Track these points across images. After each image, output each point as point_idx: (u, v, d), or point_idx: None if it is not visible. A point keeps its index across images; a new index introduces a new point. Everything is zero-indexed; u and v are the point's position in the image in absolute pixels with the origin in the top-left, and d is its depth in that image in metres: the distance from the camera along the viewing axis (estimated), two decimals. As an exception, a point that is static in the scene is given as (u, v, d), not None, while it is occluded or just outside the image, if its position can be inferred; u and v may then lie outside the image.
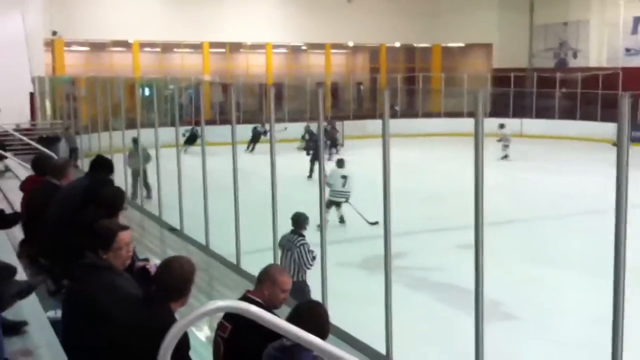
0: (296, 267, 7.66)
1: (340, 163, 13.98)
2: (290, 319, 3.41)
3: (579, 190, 16.91)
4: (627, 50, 30.87)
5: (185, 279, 3.38)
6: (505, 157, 23.11)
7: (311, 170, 18.71)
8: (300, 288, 7.23)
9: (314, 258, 7.54)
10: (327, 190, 11.97)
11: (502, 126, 23.83)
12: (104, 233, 3.97)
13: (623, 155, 3.59)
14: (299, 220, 7.90)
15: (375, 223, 11.83)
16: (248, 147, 24.75)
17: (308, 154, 21.31)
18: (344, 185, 13.54)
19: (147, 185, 13.60)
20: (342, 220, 13.56)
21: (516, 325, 8.49)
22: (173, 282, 3.35)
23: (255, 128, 25.99)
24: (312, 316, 3.47)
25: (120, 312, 3.46)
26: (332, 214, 13.17)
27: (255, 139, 25.49)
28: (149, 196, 13.33)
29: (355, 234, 11.90)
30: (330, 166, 13.85)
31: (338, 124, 26.97)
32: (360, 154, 25.47)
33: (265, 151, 7.87)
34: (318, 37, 33.56)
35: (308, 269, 7.68)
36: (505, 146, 23.39)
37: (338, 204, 13.56)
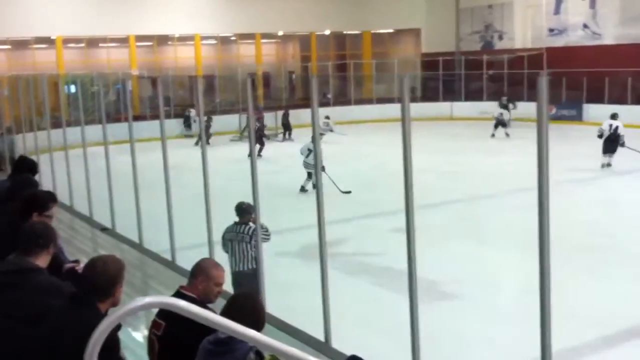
0: (248, 257, 7.54)
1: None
2: (225, 311, 3.39)
3: (510, 169, 17.33)
4: (551, 30, 31.75)
5: (110, 278, 3.30)
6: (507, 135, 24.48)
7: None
8: (254, 277, 7.09)
9: (267, 234, 7.44)
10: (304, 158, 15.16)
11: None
12: (43, 233, 3.87)
13: (543, 133, 3.68)
14: (244, 210, 7.61)
15: (348, 192, 14.68)
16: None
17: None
18: (307, 156, 15.21)
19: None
20: (310, 188, 15.05)
21: (453, 302, 8.65)
22: (98, 281, 3.27)
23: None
24: (246, 307, 3.45)
25: (49, 313, 3.36)
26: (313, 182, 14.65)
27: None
28: None
29: (292, 223, 11.89)
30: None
31: (271, 115, 27.03)
32: (295, 143, 25.57)
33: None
34: (247, 27, 33.32)
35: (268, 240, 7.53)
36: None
37: (309, 174, 15.37)
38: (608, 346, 7.23)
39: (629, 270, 9.56)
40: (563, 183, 13.76)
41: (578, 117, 27.78)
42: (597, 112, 27.22)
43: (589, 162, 18.70)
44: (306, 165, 15.41)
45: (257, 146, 21.81)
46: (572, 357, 6.70)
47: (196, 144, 24.10)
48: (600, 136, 18.53)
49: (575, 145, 21.43)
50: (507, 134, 24.18)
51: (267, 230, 7.47)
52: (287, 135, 26.90)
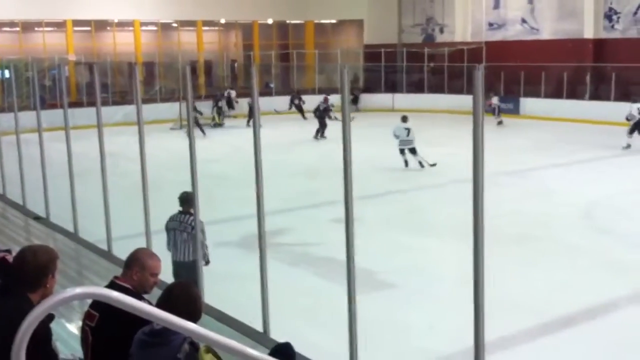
0: (188, 248, 7.43)
1: (404, 118, 17.86)
2: (160, 301, 3.34)
3: (448, 161, 17.60)
4: (490, 24, 32.33)
5: (40, 268, 3.21)
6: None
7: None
8: (193, 268, 7.01)
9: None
10: (396, 141, 17.44)
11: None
12: None
13: (478, 123, 3.74)
14: (188, 200, 7.40)
15: (434, 164, 17.21)
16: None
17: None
18: (407, 135, 17.36)
19: None
20: (421, 164, 17.33)
21: (392, 292, 8.75)
22: (27, 271, 3.17)
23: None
24: (182, 297, 3.41)
25: None
26: (406, 158, 17.41)
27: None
28: None
29: (232, 213, 11.82)
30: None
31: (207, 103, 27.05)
32: (237, 133, 25.41)
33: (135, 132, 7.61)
34: (188, 14, 32.84)
35: (205, 245, 7.44)
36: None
37: (411, 150, 17.40)
38: (543, 333, 7.44)
39: (563, 260, 9.85)
40: (498, 175, 14.05)
41: (515, 111, 28.41)
42: (534, 106, 27.97)
43: (526, 154, 19.17)
44: (405, 142, 17.40)
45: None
46: (508, 345, 6.86)
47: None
48: (628, 119, 19.92)
49: (512, 138, 21.92)
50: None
51: (203, 229, 7.35)
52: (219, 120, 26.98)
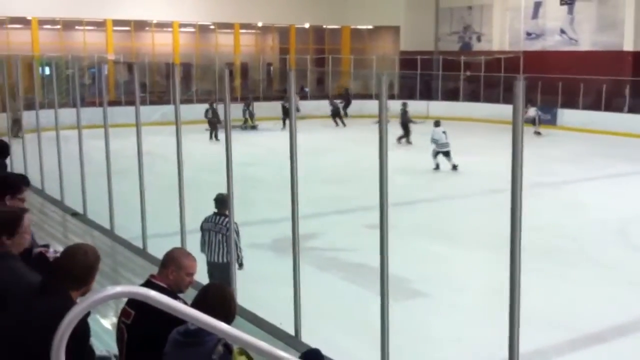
0: (223, 249, 7.51)
1: (437, 123, 18.55)
2: (196, 302, 3.38)
3: (481, 170, 17.49)
4: (528, 34, 32.04)
5: (88, 268, 3.27)
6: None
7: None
8: (227, 269, 7.08)
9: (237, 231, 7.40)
10: (433, 145, 18.00)
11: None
12: (8, 218, 3.79)
13: (518, 135, 3.72)
14: (223, 201, 7.46)
15: (455, 166, 17.91)
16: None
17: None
18: (445, 138, 17.92)
19: None
20: (455, 167, 17.87)
21: (422, 301, 8.73)
22: (76, 270, 3.23)
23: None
24: (217, 299, 3.45)
25: (16, 300, 3.31)
26: (438, 162, 18.02)
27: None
28: None
29: (265, 215, 11.88)
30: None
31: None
32: (270, 135, 25.54)
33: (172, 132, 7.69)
34: (226, 16, 33.11)
35: (240, 248, 7.50)
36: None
37: (446, 154, 17.86)
38: (572, 349, 7.35)
39: (593, 275, 9.72)
40: (534, 186, 13.91)
41: (552, 122, 28.10)
42: (571, 118, 27.61)
43: (561, 165, 18.95)
44: (444, 146, 17.90)
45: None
46: (538, 359, 6.79)
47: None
48: None
49: (548, 148, 21.67)
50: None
51: (237, 230, 7.40)
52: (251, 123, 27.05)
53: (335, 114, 28.94)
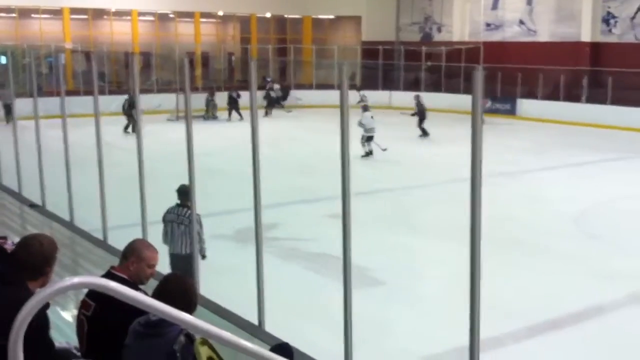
0: (186, 240, 7.45)
1: (366, 108, 19.26)
2: (156, 292, 3.36)
3: (442, 160, 17.65)
4: (488, 25, 32.38)
5: (45, 258, 3.23)
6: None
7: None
8: (189, 261, 7.02)
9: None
10: (361, 130, 17.99)
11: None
12: None
13: (477, 125, 3.76)
14: (186, 192, 7.30)
15: (385, 149, 18.05)
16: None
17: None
18: (373, 123, 18.34)
19: None
20: (371, 152, 18.20)
21: (383, 290, 8.79)
22: (32, 260, 3.19)
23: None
24: (178, 289, 3.44)
25: None
26: (370, 148, 18.23)
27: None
28: None
29: (226, 207, 11.84)
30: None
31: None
32: (232, 126, 25.41)
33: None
34: (187, 5, 32.79)
35: (202, 239, 7.45)
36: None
37: (370, 138, 18.19)
38: (529, 336, 7.49)
39: (551, 264, 9.90)
40: (493, 176, 14.10)
41: (512, 112, 28.50)
42: (530, 108, 28.05)
43: (520, 155, 19.23)
44: (372, 131, 18.24)
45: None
46: (495, 347, 6.90)
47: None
48: None
49: (507, 139, 21.98)
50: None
51: (200, 222, 7.35)
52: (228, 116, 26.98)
53: (270, 104, 28.84)
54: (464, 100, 26.92)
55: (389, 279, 9.14)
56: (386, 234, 11.10)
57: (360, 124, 18.10)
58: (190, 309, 3.33)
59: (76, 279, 2.30)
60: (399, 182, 15.53)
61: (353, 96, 24.87)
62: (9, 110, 19.06)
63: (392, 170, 17.13)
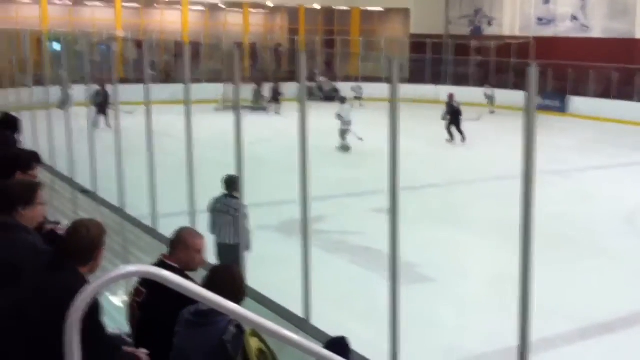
0: (232, 230, 7.50)
1: (343, 100, 19.43)
2: (206, 282, 3.39)
3: (490, 157, 17.45)
4: (539, 19, 31.80)
5: (92, 242, 3.27)
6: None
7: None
8: (236, 251, 7.06)
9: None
10: (339, 123, 18.09)
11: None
12: (25, 188, 3.82)
13: (531, 122, 3.70)
14: (232, 183, 7.42)
15: (361, 139, 17.75)
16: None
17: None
18: (350, 116, 18.28)
19: None
20: (348, 148, 18.06)
21: (430, 286, 8.75)
22: (80, 245, 3.24)
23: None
24: (227, 280, 3.46)
25: (31, 274, 3.33)
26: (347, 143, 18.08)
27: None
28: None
29: (273, 198, 11.89)
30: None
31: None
32: (279, 117, 25.50)
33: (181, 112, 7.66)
34: (236, -5, 33.01)
35: (248, 230, 7.48)
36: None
37: (346, 131, 18.11)
38: (580, 339, 7.36)
39: (602, 264, 9.71)
40: (543, 174, 13.82)
41: (562, 109, 27.96)
42: (581, 105, 27.48)
43: (570, 154, 18.87)
44: (349, 124, 18.17)
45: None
46: (545, 348, 6.80)
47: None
48: None
49: (557, 136, 21.58)
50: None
51: (246, 213, 7.36)
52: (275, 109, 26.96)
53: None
54: (513, 96, 26.68)
55: (436, 275, 9.09)
56: (433, 230, 11.03)
57: (338, 117, 18.23)
58: (238, 299, 3.36)
59: (130, 268, 2.34)
60: (446, 178, 15.40)
61: (401, 89, 24.51)
62: (66, 95, 19.31)
63: (439, 165, 16.98)
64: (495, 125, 23.57)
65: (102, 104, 18.71)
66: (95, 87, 19.58)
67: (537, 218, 4.01)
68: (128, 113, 14.12)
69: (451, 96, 21.09)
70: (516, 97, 27.20)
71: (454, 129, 20.29)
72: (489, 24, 34.09)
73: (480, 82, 31.16)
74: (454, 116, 20.34)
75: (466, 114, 20.91)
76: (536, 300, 3.88)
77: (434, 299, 8.31)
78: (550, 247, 9.80)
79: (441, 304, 8.15)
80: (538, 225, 4.11)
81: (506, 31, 32.89)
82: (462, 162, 17.27)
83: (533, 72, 3.71)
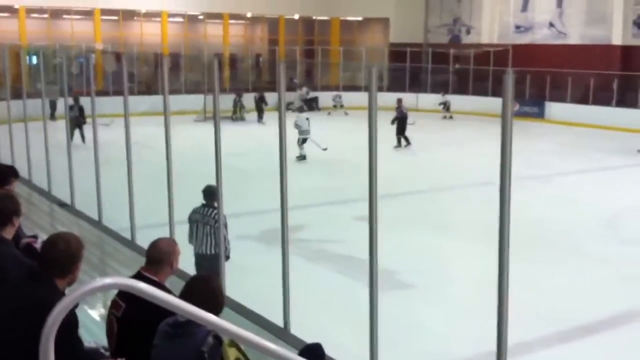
0: (211, 241, 7.48)
1: (301, 109, 20.34)
2: (184, 293, 3.37)
3: (470, 162, 17.53)
4: (517, 27, 32.10)
5: (71, 256, 3.25)
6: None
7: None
8: (215, 261, 7.03)
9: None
10: (296, 131, 17.69)
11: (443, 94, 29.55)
12: (8, 204, 3.80)
13: (507, 128, 3.73)
14: (211, 193, 7.39)
15: (325, 149, 18.00)
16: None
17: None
18: (308, 125, 18.30)
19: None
20: (304, 157, 17.93)
21: (411, 292, 8.76)
22: (59, 258, 3.22)
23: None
24: (204, 290, 3.44)
25: (14, 285, 3.30)
26: (305, 150, 18.00)
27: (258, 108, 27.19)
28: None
29: (253, 207, 11.87)
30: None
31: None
32: (260, 126, 25.50)
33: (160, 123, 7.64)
34: (215, 6, 32.97)
35: (227, 240, 7.45)
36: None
37: (305, 140, 18.10)
38: (559, 342, 7.40)
39: (582, 268, 9.77)
40: (523, 179, 13.96)
41: (540, 115, 28.21)
42: (559, 111, 27.74)
43: (549, 158, 19.03)
44: (305, 133, 18.15)
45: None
46: (523, 352, 6.83)
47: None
48: None
49: (536, 142, 21.76)
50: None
51: (225, 222, 7.35)
52: (258, 118, 26.95)
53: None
54: (492, 103, 26.83)
55: (417, 281, 9.10)
56: (413, 236, 11.05)
57: (296, 125, 18.10)
58: (217, 310, 3.34)
59: (107, 280, 2.32)
60: (426, 185, 15.46)
61: (380, 98, 24.55)
62: (54, 107, 19.16)
63: (419, 172, 17.04)
64: (474, 133, 23.71)
65: (76, 117, 17.84)
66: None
67: (518, 222, 4.04)
68: (105, 125, 14.12)
69: (399, 101, 21.61)
70: (495, 104, 27.41)
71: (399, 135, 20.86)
72: (468, 32, 34.36)
73: (460, 89, 31.39)
74: (400, 122, 20.87)
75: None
76: (517, 303, 3.90)
77: (418, 305, 8.32)
78: (529, 250, 9.88)
79: (424, 310, 8.16)
80: (519, 229, 4.15)
81: (485, 39, 33.15)
82: (441, 169, 17.33)
83: (509, 79, 3.75)
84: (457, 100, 30.07)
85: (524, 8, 31.81)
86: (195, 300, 2.86)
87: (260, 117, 26.96)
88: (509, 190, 3.78)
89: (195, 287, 3.46)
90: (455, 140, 22.36)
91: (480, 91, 29.85)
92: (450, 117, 28.85)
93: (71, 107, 18.14)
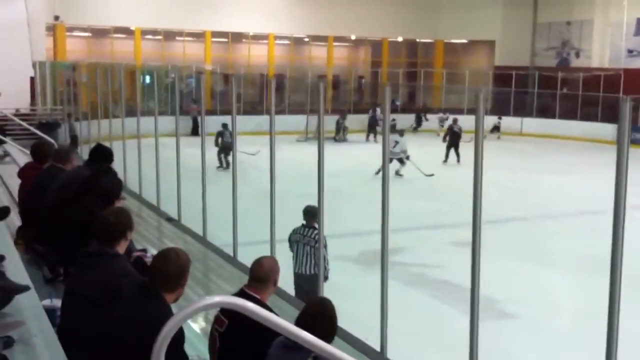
0: (310, 261, 7.58)
1: (393, 128, 19.22)
2: (303, 320, 3.39)
3: (577, 190, 16.92)
4: (630, 51, 30.83)
5: (181, 271, 3.36)
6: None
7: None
8: (314, 281, 7.10)
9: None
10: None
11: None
12: (123, 219, 3.95)
13: (623, 157, 3.60)
14: (312, 214, 7.46)
15: (431, 175, 18.02)
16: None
17: None
18: (394, 147, 17.77)
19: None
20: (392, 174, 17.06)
21: (510, 322, 8.52)
22: (169, 273, 3.33)
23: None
24: (326, 318, 3.46)
25: (119, 301, 3.43)
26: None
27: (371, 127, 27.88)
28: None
29: (352, 229, 11.90)
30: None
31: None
32: (361, 147, 25.60)
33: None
34: (320, 29, 33.51)
35: (327, 260, 7.51)
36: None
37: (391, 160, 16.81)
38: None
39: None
40: (634, 209, 13.32)
41: (653, 142, 26.90)
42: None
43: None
44: (391, 154, 17.08)
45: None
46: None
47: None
48: None
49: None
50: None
51: (325, 243, 7.38)
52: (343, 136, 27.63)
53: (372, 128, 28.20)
54: (601, 129, 25.83)
55: (517, 311, 8.84)
56: (515, 264, 10.75)
57: (396, 143, 18.06)
58: (331, 338, 3.35)
59: (217, 299, 2.40)
60: (529, 212, 15.01)
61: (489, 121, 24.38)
62: (73, 141, 19.48)
63: (523, 198, 16.58)
64: (582, 159, 22.86)
65: (230, 143, 17.47)
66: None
67: (629, 254, 3.88)
68: (250, 155, 14.94)
69: (455, 120, 22.66)
70: (605, 130, 26.49)
71: (452, 151, 21.48)
72: (577, 55, 33.30)
73: (566, 114, 30.37)
74: (453, 139, 21.70)
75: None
76: (624, 337, 3.73)
77: (517, 335, 8.08)
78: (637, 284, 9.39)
79: (524, 341, 7.92)
80: (629, 261, 3.97)
81: (595, 63, 32.02)
82: (546, 195, 16.79)
83: (626, 106, 3.62)
84: (564, 125, 29.14)
85: (637, 32, 30.53)
86: (316, 327, 2.94)
87: (374, 135, 27.48)
88: (623, 220, 3.65)
89: (315, 314, 3.47)
90: (562, 167, 21.63)
91: (589, 116, 28.80)
92: (498, 138, 28.06)
93: (221, 134, 18.59)
